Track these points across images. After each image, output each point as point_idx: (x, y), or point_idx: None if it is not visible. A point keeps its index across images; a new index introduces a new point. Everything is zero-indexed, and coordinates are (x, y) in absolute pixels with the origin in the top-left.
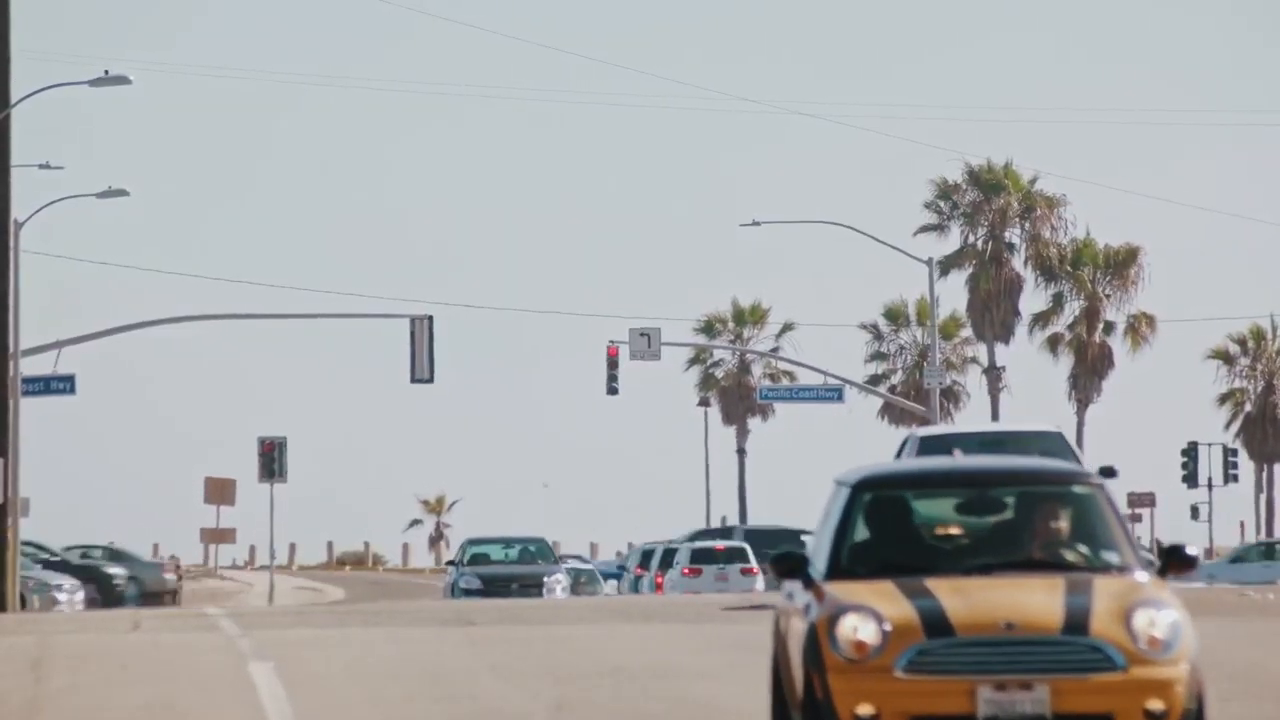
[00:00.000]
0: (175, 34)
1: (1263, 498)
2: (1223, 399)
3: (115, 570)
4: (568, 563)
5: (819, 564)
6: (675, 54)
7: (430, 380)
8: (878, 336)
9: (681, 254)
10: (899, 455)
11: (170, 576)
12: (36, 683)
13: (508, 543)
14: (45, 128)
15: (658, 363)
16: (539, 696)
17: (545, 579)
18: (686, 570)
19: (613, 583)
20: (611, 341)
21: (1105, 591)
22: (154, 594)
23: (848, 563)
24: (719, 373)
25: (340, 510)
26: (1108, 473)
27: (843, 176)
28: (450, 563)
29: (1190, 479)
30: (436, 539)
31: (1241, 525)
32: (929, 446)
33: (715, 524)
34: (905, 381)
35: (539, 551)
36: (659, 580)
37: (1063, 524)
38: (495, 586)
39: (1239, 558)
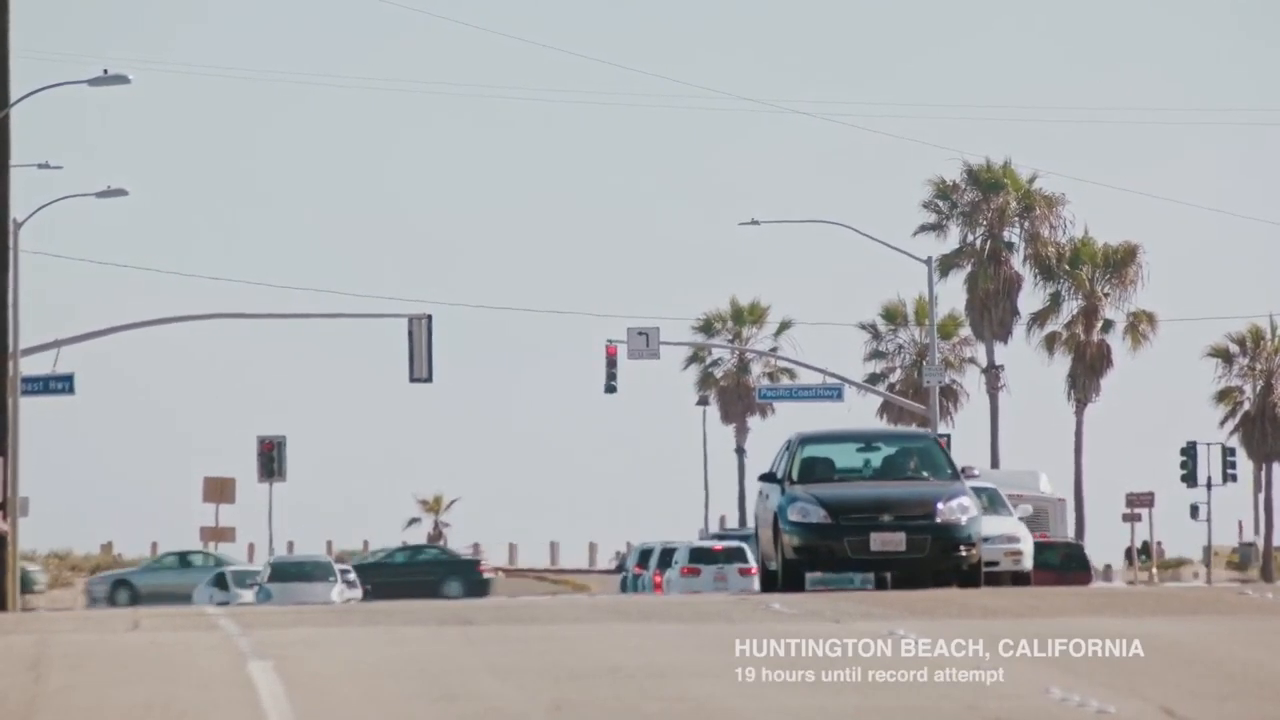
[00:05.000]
0: (174, 33)
1: (1261, 497)
2: (1221, 398)
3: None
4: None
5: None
6: (674, 53)
7: (429, 379)
8: (876, 336)
9: (680, 253)
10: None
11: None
12: (35, 682)
13: (865, 440)
14: (45, 127)
15: (656, 362)
16: (537, 696)
17: (939, 505)
18: (685, 570)
19: None
20: (610, 340)
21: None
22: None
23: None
24: (718, 372)
25: (339, 509)
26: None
27: (842, 176)
28: (769, 477)
29: (1189, 478)
30: (435, 538)
31: (1240, 525)
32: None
33: (715, 524)
34: (904, 380)
35: (924, 455)
36: (657, 579)
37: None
38: (852, 519)
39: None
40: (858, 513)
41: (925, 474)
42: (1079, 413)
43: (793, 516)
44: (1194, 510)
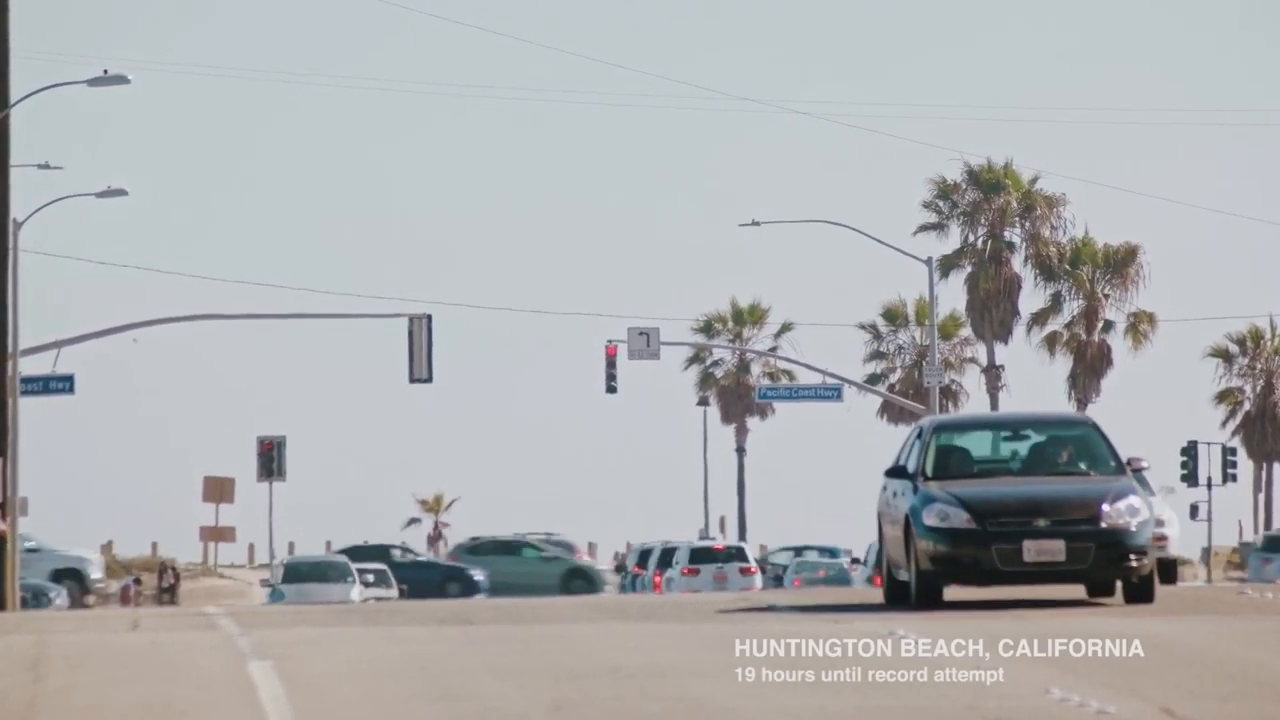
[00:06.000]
0: (174, 34)
1: (1261, 497)
2: (1221, 398)
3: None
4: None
5: None
6: (674, 53)
7: (429, 379)
8: (877, 336)
9: (680, 253)
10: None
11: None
12: (34, 682)
13: (1011, 427)
14: (45, 127)
15: (656, 362)
16: (537, 696)
17: (1104, 507)
18: (685, 570)
19: None
20: (610, 341)
21: None
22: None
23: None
24: (718, 372)
25: (339, 509)
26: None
27: (842, 176)
28: (898, 472)
29: (1190, 478)
30: (435, 538)
31: (1240, 524)
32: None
33: (715, 524)
34: (904, 380)
35: (1082, 444)
36: (657, 579)
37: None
38: (1001, 524)
39: None
40: (1008, 516)
41: (1084, 467)
42: (1079, 412)
43: (929, 520)
44: (1194, 510)
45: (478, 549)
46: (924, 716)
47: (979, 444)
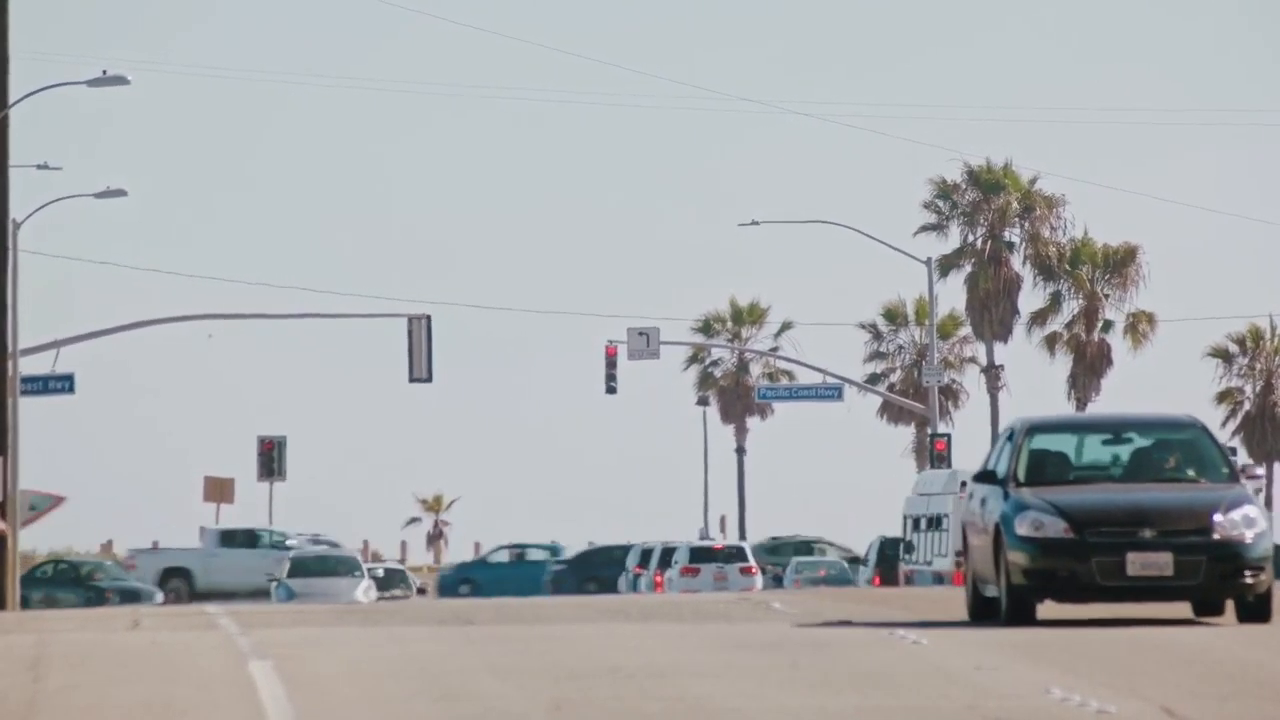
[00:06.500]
0: (173, 34)
1: (1261, 496)
2: (1222, 398)
3: None
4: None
5: None
6: (674, 54)
7: (428, 379)
8: (876, 336)
9: (680, 253)
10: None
11: None
12: (34, 681)
13: (1112, 429)
14: (45, 127)
15: (656, 362)
16: (537, 696)
17: (1216, 517)
18: (685, 569)
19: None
20: (610, 341)
21: None
22: None
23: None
24: (718, 372)
25: (339, 509)
26: None
27: (842, 176)
28: (987, 476)
29: None
30: (435, 537)
31: None
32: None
33: (715, 524)
34: (904, 380)
35: (1190, 449)
36: (658, 579)
37: None
38: (1102, 535)
39: None
40: (1109, 526)
41: (1192, 473)
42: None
43: (1022, 530)
44: None
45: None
46: (924, 716)
47: (1076, 447)
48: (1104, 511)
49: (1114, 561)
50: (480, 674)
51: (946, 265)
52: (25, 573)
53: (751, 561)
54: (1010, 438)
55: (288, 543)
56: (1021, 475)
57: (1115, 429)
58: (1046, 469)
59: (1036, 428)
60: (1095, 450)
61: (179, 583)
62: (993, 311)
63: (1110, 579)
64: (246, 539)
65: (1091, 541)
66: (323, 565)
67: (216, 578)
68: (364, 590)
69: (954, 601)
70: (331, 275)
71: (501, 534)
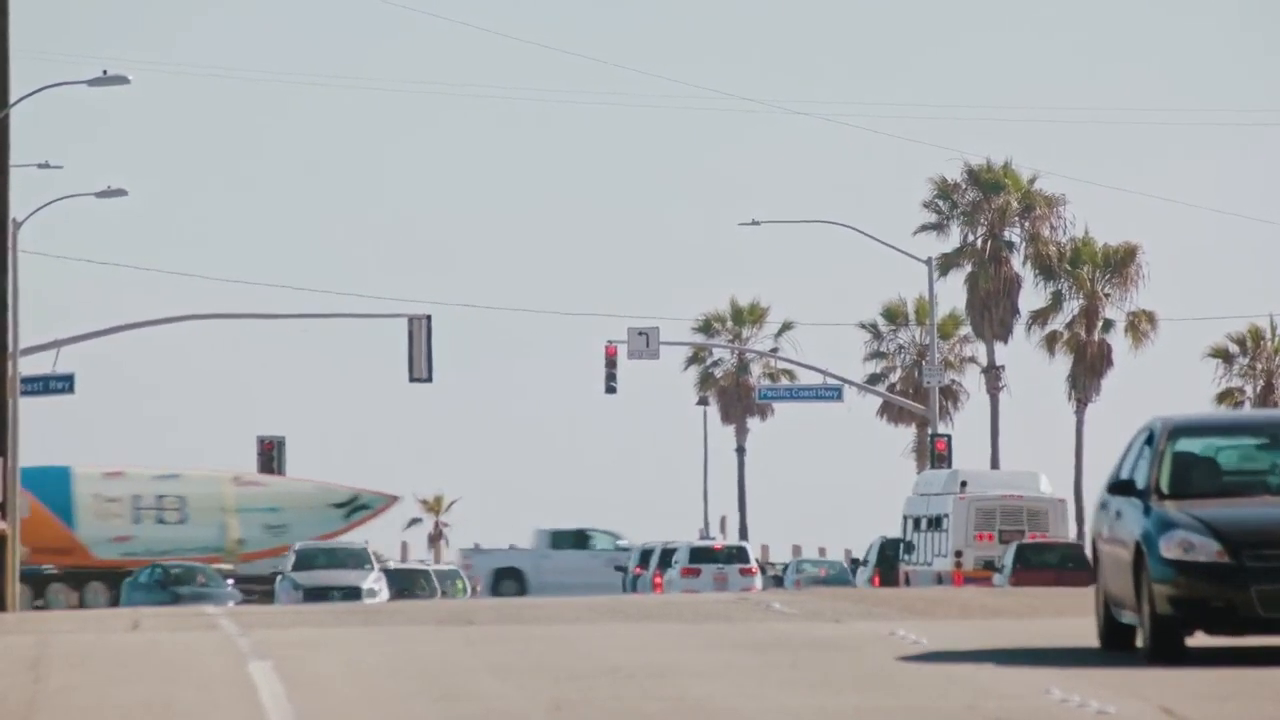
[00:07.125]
0: (174, 34)
1: None
2: (1222, 399)
3: None
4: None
5: None
6: (675, 53)
7: (428, 379)
8: (877, 336)
9: (680, 253)
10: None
11: None
12: (35, 682)
13: (1269, 432)
14: (45, 127)
15: (656, 362)
16: (537, 696)
17: None
18: (685, 570)
19: None
20: (610, 341)
21: None
22: None
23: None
24: (718, 372)
25: None
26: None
27: (842, 176)
28: (1124, 487)
29: None
30: (435, 538)
31: None
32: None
33: (715, 524)
34: (904, 380)
35: None
36: (657, 579)
37: None
38: (1264, 558)
39: None
40: (1271, 548)
41: None
42: (1079, 413)
43: (1168, 552)
44: None
45: None
46: (924, 716)
47: (1227, 453)
48: (1264, 530)
49: (1277, 590)
50: (480, 674)
51: (946, 265)
52: (131, 578)
53: (752, 562)
54: (1149, 440)
55: (618, 543)
56: (1165, 486)
57: (1272, 431)
58: (1194, 478)
59: (1181, 429)
60: (1247, 457)
61: (511, 583)
62: (993, 311)
63: (1273, 610)
64: (578, 540)
65: (1250, 566)
66: (331, 558)
67: (548, 578)
68: (374, 580)
69: (954, 602)
70: (331, 275)
71: (501, 534)
